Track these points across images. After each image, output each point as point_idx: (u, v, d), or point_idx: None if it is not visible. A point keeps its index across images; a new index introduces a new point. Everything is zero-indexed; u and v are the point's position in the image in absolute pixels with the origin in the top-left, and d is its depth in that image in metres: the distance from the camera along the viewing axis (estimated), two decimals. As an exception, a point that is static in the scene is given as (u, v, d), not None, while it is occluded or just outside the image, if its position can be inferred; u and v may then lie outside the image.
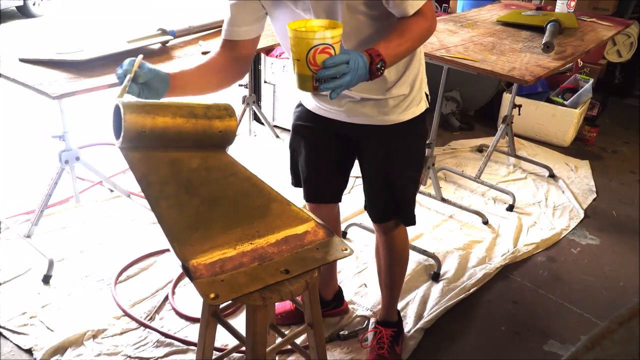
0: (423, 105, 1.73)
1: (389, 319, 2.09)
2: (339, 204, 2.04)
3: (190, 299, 2.28)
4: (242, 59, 1.58)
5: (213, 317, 1.49)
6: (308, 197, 1.97)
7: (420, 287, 2.45)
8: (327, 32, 1.23)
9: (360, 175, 1.87)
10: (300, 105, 1.84)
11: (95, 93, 2.03)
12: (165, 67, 2.21)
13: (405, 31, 1.43)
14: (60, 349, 2.01)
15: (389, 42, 1.39)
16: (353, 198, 3.05)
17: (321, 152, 1.84)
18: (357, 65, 1.27)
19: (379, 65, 1.32)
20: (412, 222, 1.87)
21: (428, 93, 1.76)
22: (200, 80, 1.50)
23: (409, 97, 1.66)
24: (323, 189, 1.94)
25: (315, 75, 1.25)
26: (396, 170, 1.75)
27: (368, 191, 1.85)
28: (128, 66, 1.33)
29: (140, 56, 1.37)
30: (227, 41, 1.55)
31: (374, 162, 1.77)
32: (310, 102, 1.77)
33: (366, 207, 1.88)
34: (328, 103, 1.69)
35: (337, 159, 1.87)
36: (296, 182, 1.97)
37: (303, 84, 1.29)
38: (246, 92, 3.66)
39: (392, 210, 1.83)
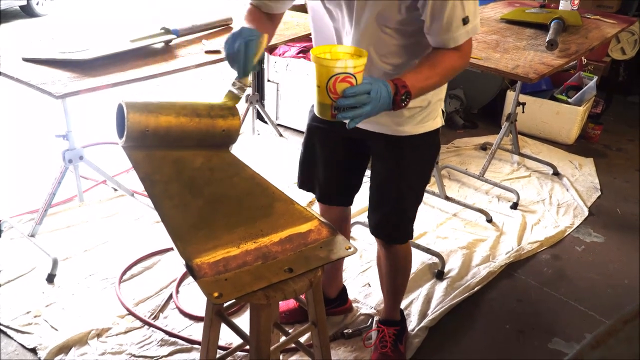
0: (439, 121, 1.69)
1: (391, 318, 2.09)
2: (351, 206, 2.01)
3: (195, 298, 2.28)
4: (276, 19, 1.61)
5: (217, 315, 1.49)
6: (320, 198, 1.95)
7: (424, 285, 2.45)
8: (349, 61, 1.21)
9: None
10: None
11: (98, 92, 2.04)
12: (169, 66, 2.22)
13: (437, 64, 1.39)
14: (65, 348, 2.01)
15: (418, 74, 1.35)
16: (358, 196, 3.04)
17: (334, 154, 1.81)
18: (380, 95, 1.24)
19: (403, 97, 1.28)
20: (409, 236, 1.85)
21: (444, 110, 1.72)
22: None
23: (425, 110, 1.61)
24: (335, 191, 1.92)
25: (334, 103, 1.24)
26: (403, 183, 1.71)
27: (372, 199, 1.81)
28: (252, 52, 1.26)
29: (265, 36, 1.31)
30: (259, 10, 1.55)
31: (383, 172, 1.73)
32: None
33: (368, 217, 1.84)
34: None
35: (350, 162, 1.84)
36: (301, 184, 1.94)
37: (322, 111, 1.28)
38: (249, 90, 3.66)
39: (392, 223, 1.79)
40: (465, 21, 1.37)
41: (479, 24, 1.42)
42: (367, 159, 1.84)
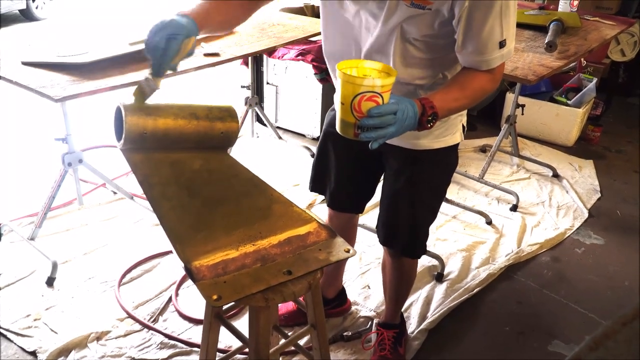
0: (458, 137, 1.64)
1: (391, 321, 2.08)
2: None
3: (194, 301, 2.28)
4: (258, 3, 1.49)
5: (216, 318, 1.48)
6: (330, 203, 1.92)
7: (424, 287, 2.44)
8: (377, 80, 1.17)
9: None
10: (333, 109, 1.76)
11: (98, 95, 2.04)
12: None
13: (467, 86, 1.34)
14: (64, 351, 2.01)
15: (447, 95, 1.30)
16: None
17: (347, 161, 1.78)
18: (406, 115, 1.20)
19: (430, 118, 1.24)
20: (422, 252, 1.81)
21: (465, 125, 1.66)
22: (219, 16, 1.38)
23: (444, 125, 1.56)
24: (345, 198, 1.89)
25: (357, 122, 1.20)
26: (416, 197, 1.67)
27: (383, 211, 1.77)
28: (172, 52, 1.15)
29: (193, 39, 1.20)
30: None
31: (395, 185, 1.68)
32: None
33: (377, 228, 1.81)
34: None
35: (363, 172, 1.81)
36: (313, 187, 1.92)
37: (345, 129, 1.23)
38: (249, 93, 3.66)
39: (403, 237, 1.75)
40: (501, 44, 1.30)
41: (513, 47, 1.35)
42: (381, 169, 1.78)
